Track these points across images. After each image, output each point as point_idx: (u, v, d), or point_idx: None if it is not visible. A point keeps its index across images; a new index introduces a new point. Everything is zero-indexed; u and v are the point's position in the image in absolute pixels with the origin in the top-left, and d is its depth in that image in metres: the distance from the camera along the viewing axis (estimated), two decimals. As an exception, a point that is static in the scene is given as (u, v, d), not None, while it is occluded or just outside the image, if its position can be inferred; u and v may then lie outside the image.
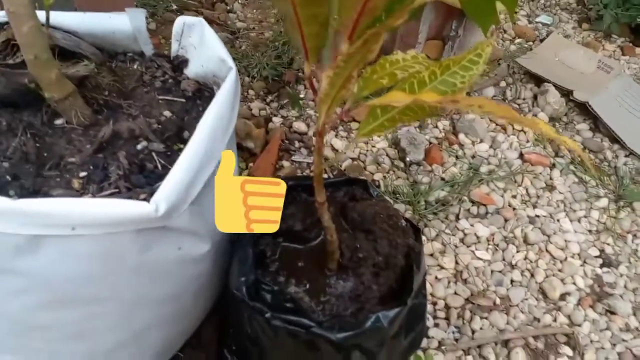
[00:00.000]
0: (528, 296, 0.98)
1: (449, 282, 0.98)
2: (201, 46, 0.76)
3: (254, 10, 1.58)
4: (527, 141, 1.29)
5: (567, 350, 0.91)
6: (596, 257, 1.06)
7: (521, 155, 1.25)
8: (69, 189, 0.59)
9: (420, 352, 0.86)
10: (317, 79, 0.46)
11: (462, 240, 1.05)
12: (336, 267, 0.67)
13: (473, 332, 0.91)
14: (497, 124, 1.32)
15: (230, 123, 0.68)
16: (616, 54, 1.64)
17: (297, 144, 1.19)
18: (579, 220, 1.13)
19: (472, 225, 1.08)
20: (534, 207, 1.14)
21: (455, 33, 1.33)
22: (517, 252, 1.05)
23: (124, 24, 0.76)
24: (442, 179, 1.16)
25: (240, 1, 1.61)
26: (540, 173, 1.21)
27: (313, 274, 0.67)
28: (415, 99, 0.34)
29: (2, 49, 0.66)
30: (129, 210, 0.52)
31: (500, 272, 1.01)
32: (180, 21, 0.76)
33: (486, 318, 0.94)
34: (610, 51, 1.65)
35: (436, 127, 1.28)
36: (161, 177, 0.57)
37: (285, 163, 1.14)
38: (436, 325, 0.92)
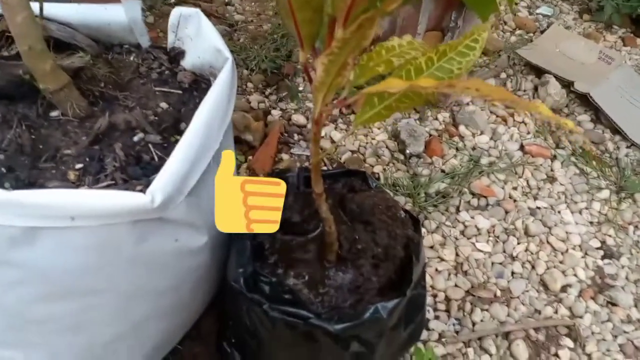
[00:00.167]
0: (529, 288, 0.98)
1: (449, 274, 0.98)
2: (198, 37, 0.75)
3: (252, 3, 1.57)
4: (528, 133, 1.28)
5: (568, 342, 0.91)
6: (597, 248, 1.06)
7: (522, 147, 1.24)
8: (64, 181, 0.58)
9: (420, 345, 0.86)
10: (313, 68, 0.45)
11: (462, 232, 1.05)
12: (335, 258, 0.67)
13: (474, 324, 0.91)
14: (497, 116, 1.31)
15: (227, 114, 0.67)
16: (617, 44, 1.63)
17: (296, 137, 1.19)
18: (580, 212, 1.12)
19: (472, 217, 1.07)
20: (535, 198, 1.13)
21: (455, 24, 1.32)
22: (518, 244, 1.04)
23: (119, 16, 0.75)
24: (442, 171, 1.15)
25: (238, -6, 1.60)
26: (541, 164, 1.21)
27: (311, 265, 0.66)
28: (412, 85, 0.34)
29: (-3, 40, 0.66)
30: (125, 202, 0.52)
31: (500, 264, 1.01)
32: (177, 12, 0.75)
33: (487, 310, 0.93)
34: (611, 42, 1.63)
35: (436, 119, 1.27)
36: (158, 168, 0.56)
37: (285, 156, 1.14)
38: (436, 317, 0.91)
